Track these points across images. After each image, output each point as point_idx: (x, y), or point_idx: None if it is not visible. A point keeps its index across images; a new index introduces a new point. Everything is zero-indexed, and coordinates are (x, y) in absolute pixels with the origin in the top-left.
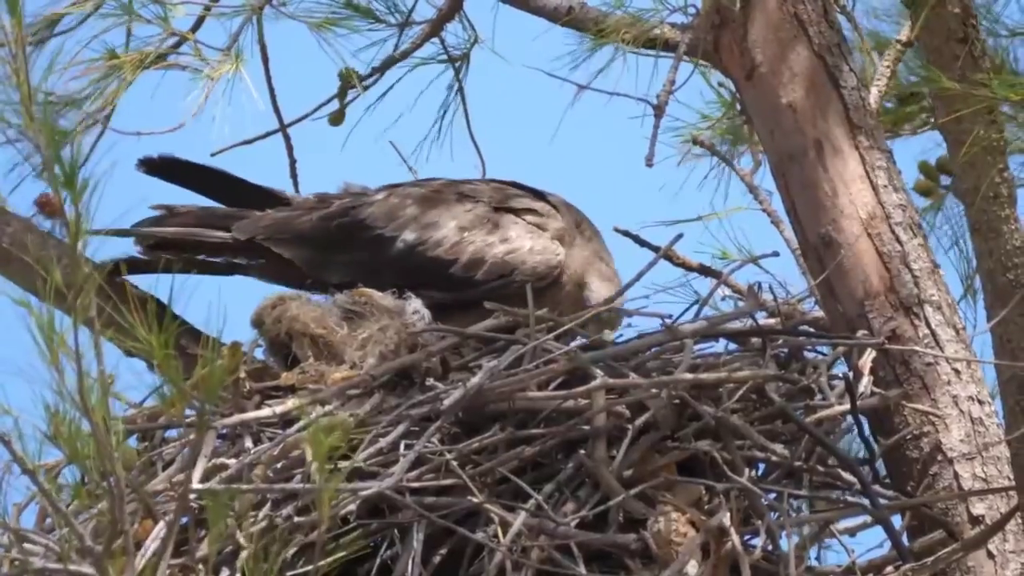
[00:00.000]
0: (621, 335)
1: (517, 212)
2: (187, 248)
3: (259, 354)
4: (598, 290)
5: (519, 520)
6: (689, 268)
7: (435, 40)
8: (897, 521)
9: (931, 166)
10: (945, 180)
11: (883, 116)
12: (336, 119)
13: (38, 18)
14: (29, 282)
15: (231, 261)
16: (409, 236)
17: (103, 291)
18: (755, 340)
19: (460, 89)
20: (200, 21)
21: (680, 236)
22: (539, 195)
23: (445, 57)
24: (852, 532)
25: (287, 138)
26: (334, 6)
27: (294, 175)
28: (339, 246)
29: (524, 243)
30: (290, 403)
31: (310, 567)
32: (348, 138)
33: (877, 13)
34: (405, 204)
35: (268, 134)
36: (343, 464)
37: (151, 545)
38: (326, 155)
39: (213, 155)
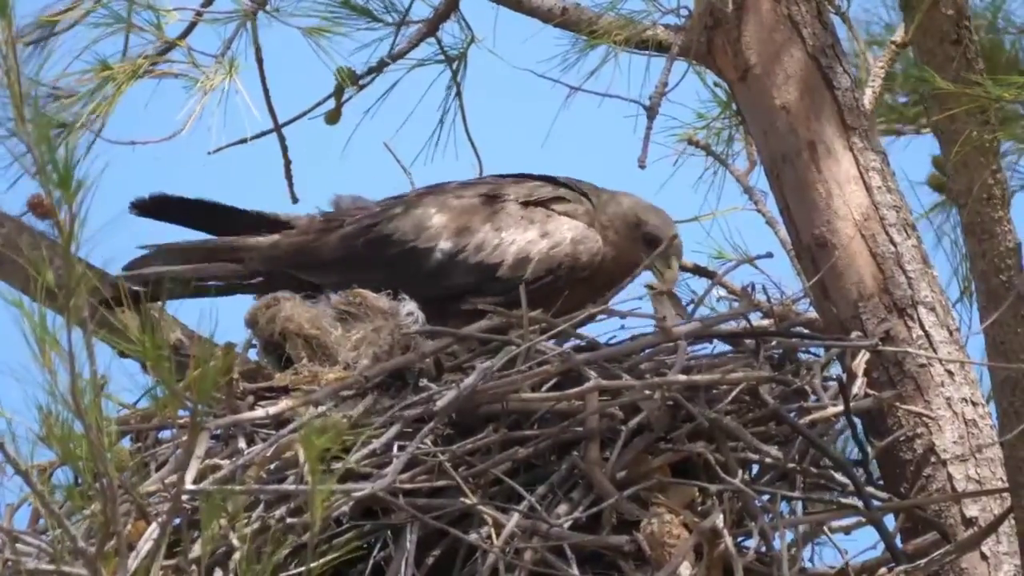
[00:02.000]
0: (614, 336)
1: (546, 204)
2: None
3: (253, 355)
4: (654, 219)
5: (512, 521)
6: (684, 269)
7: (432, 40)
8: (890, 523)
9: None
10: None
11: (893, 112)
12: (332, 118)
13: (31, 23)
14: (22, 283)
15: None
16: (445, 245)
17: (96, 291)
18: (749, 341)
19: (457, 90)
20: (191, 27)
21: (674, 237)
22: (553, 181)
23: (442, 57)
24: (847, 531)
25: (282, 138)
26: (332, 5)
27: (289, 176)
28: (368, 265)
29: (565, 235)
30: (283, 404)
31: (302, 568)
32: (349, 140)
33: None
34: (430, 213)
35: (263, 134)
36: (336, 465)
37: (144, 546)
38: (325, 157)
39: (210, 154)
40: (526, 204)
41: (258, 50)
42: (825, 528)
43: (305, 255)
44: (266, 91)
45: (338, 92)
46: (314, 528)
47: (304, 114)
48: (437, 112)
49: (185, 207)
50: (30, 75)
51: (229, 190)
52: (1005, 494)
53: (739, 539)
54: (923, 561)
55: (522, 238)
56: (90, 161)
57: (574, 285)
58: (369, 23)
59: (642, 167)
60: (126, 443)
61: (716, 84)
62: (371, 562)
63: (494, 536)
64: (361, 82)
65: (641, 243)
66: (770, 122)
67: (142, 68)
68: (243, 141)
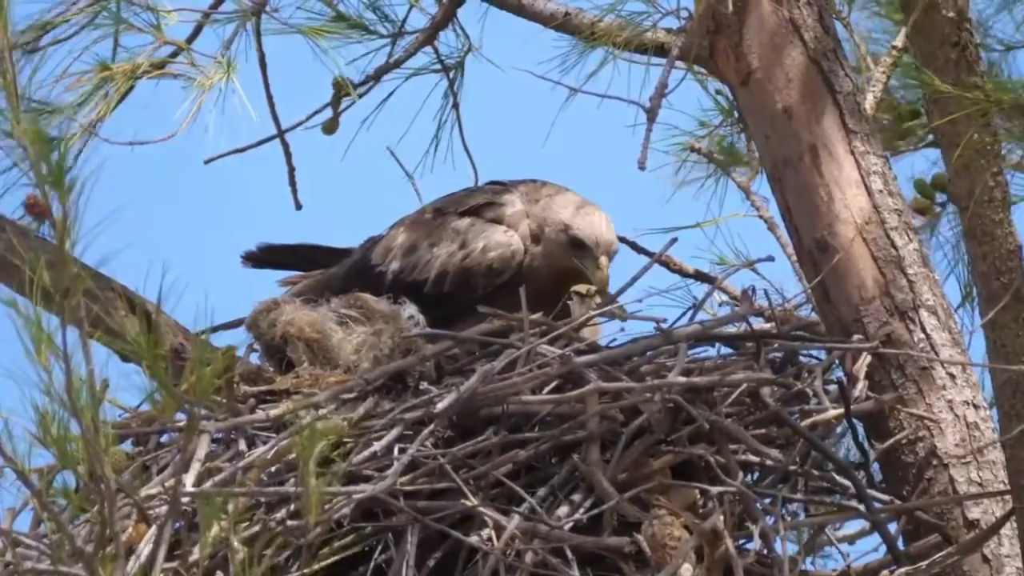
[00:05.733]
0: (615, 339)
1: (478, 211)
2: None
3: (254, 358)
4: (580, 222)
5: (513, 523)
6: (685, 274)
7: (429, 49)
8: (892, 526)
9: (926, 184)
10: (941, 198)
11: (882, 133)
12: (330, 128)
13: (29, 26)
14: (18, 284)
15: None
16: (395, 266)
17: (93, 293)
18: (749, 344)
19: (454, 99)
20: (198, 30)
21: (674, 241)
22: (503, 185)
23: (439, 66)
24: (852, 540)
25: (285, 145)
26: (324, 19)
27: (292, 183)
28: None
29: (477, 244)
30: (284, 407)
31: (303, 571)
32: (348, 148)
33: (873, 15)
34: (397, 235)
35: (263, 141)
36: (336, 467)
37: (143, 549)
38: (324, 164)
39: (207, 162)
40: (462, 214)
41: (262, 56)
42: (830, 536)
43: (324, 285)
44: (269, 97)
45: (335, 102)
46: (311, 526)
47: (302, 123)
48: (434, 121)
49: (292, 252)
50: (27, 77)
51: (229, 191)
52: (1007, 496)
53: (740, 541)
54: (925, 563)
55: (445, 252)
56: (85, 161)
57: (499, 289)
58: (363, 35)
59: (642, 168)
60: (128, 447)
61: (718, 92)
62: (372, 564)
63: (495, 538)
64: (359, 91)
65: (568, 247)
66: (771, 126)
67: (140, 68)
68: (241, 150)
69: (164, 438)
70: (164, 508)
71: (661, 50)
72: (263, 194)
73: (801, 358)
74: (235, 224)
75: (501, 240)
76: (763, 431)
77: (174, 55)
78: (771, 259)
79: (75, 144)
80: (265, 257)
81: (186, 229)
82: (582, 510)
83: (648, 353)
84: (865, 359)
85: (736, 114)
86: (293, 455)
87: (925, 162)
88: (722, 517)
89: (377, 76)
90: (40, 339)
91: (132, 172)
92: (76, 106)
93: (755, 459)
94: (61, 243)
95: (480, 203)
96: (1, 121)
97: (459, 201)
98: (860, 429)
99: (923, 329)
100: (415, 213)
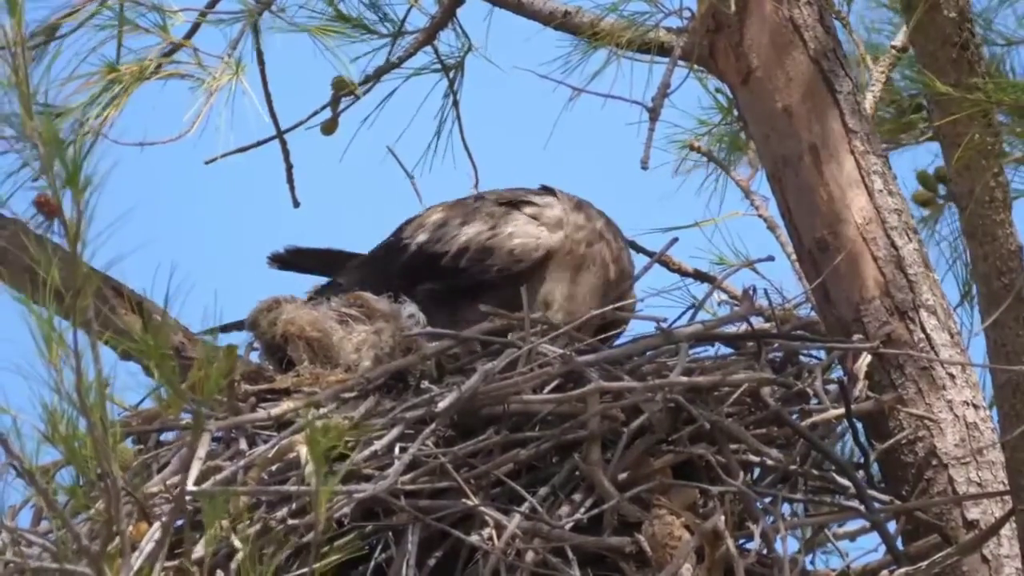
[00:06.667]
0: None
1: (518, 205)
2: None
3: (254, 357)
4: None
5: (514, 523)
6: (684, 274)
7: (429, 49)
8: (892, 526)
9: (929, 176)
10: (944, 190)
11: (883, 125)
12: (329, 128)
13: (38, 26)
14: (27, 286)
15: None
16: (421, 237)
17: (100, 293)
18: (750, 344)
19: (454, 99)
20: (196, 27)
21: (675, 240)
22: (548, 190)
23: (439, 66)
24: (852, 537)
25: (283, 144)
26: (324, 19)
27: (290, 180)
28: (381, 267)
29: (506, 228)
30: (285, 406)
31: (305, 569)
32: (348, 148)
33: (873, 23)
34: (433, 213)
35: (263, 142)
36: (338, 466)
37: (146, 547)
38: (326, 163)
39: (207, 163)
40: (500, 203)
41: (260, 54)
42: (829, 534)
43: (356, 267)
44: (268, 96)
45: (335, 102)
46: (318, 527)
47: (302, 123)
48: (434, 121)
49: (317, 255)
50: (37, 76)
51: (232, 192)
52: (1006, 497)
53: (740, 541)
54: (924, 564)
55: (474, 231)
56: (96, 160)
57: (511, 281)
58: (363, 35)
59: (644, 168)
60: (129, 444)
61: (718, 90)
62: (372, 563)
63: (495, 537)
64: (358, 92)
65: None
66: (772, 125)
67: (148, 69)
68: (242, 150)
69: (165, 436)
70: (166, 506)
71: (662, 49)
72: (270, 194)
73: (801, 358)
74: (243, 224)
75: (530, 231)
76: (763, 431)
77: (170, 53)
78: (771, 259)
79: (86, 143)
80: (292, 259)
81: (193, 230)
82: (583, 510)
83: (649, 353)
84: (865, 359)
85: (736, 112)
86: (295, 454)
87: (927, 155)
88: (723, 517)
89: (377, 76)
90: (50, 336)
91: (138, 173)
92: (86, 106)
93: (755, 459)
94: (73, 243)
95: (522, 199)
96: (12, 119)
97: (503, 195)
98: (860, 429)
99: (923, 329)
100: (457, 199)
